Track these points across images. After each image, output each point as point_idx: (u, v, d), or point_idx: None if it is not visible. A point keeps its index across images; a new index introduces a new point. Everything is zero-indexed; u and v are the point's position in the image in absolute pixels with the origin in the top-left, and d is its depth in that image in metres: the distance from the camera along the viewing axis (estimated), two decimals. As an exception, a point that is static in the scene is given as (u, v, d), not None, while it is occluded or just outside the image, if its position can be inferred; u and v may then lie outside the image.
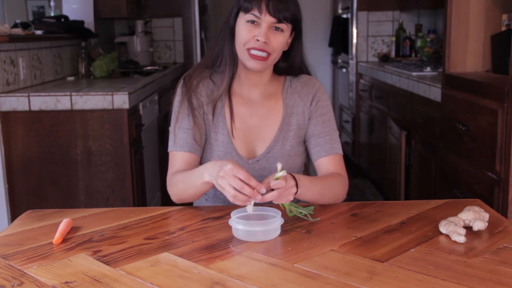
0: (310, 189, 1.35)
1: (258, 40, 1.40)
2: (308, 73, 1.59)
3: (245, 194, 1.20)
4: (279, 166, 1.25)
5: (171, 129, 1.51)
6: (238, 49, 1.45)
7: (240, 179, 1.20)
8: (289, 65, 1.54)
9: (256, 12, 1.40)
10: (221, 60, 1.51)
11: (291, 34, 1.47)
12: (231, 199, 1.22)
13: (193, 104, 1.50)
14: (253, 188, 1.20)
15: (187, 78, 1.53)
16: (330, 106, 1.56)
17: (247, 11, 1.41)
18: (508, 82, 2.04)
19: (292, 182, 1.27)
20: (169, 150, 1.51)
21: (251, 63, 1.43)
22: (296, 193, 1.29)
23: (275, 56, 1.46)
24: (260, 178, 1.52)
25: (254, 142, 1.53)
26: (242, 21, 1.43)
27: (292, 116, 1.54)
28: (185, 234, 1.25)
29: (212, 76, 1.54)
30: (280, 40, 1.43)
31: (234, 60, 1.48)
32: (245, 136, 1.52)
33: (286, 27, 1.43)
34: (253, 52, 1.41)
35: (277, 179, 1.23)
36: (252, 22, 1.41)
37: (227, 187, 1.21)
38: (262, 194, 1.21)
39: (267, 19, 1.40)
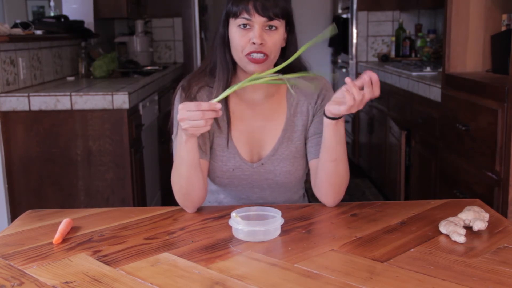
0: (342, 130, 1.43)
1: (254, 43, 1.37)
2: (305, 67, 1.52)
3: (201, 119, 1.21)
4: None
5: (173, 137, 1.48)
6: (235, 55, 1.42)
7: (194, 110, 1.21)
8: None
9: (245, 15, 1.36)
10: (216, 68, 1.47)
11: (285, 29, 1.44)
12: (192, 131, 1.24)
13: None
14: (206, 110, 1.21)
15: (186, 85, 1.49)
16: None
17: (236, 16, 1.38)
18: (508, 82, 2.05)
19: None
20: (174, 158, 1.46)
21: (251, 67, 1.39)
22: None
23: (273, 57, 1.42)
24: (266, 182, 1.50)
25: (259, 145, 1.49)
26: (234, 27, 1.40)
27: (296, 116, 1.50)
28: (185, 234, 1.25)
29: (211, 84, 1.49)
30: (276, 39, 1.40)
31: (228, 68, 1.45)
32: (248, 139, 1.48)
33: (279, 24, 1.39)
34: (252, 55, 1.38)
35: None
36: (244, 26, 1.38)
37: (186, 124, 1.23)
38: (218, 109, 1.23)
39: (258, 20, 1.36)
